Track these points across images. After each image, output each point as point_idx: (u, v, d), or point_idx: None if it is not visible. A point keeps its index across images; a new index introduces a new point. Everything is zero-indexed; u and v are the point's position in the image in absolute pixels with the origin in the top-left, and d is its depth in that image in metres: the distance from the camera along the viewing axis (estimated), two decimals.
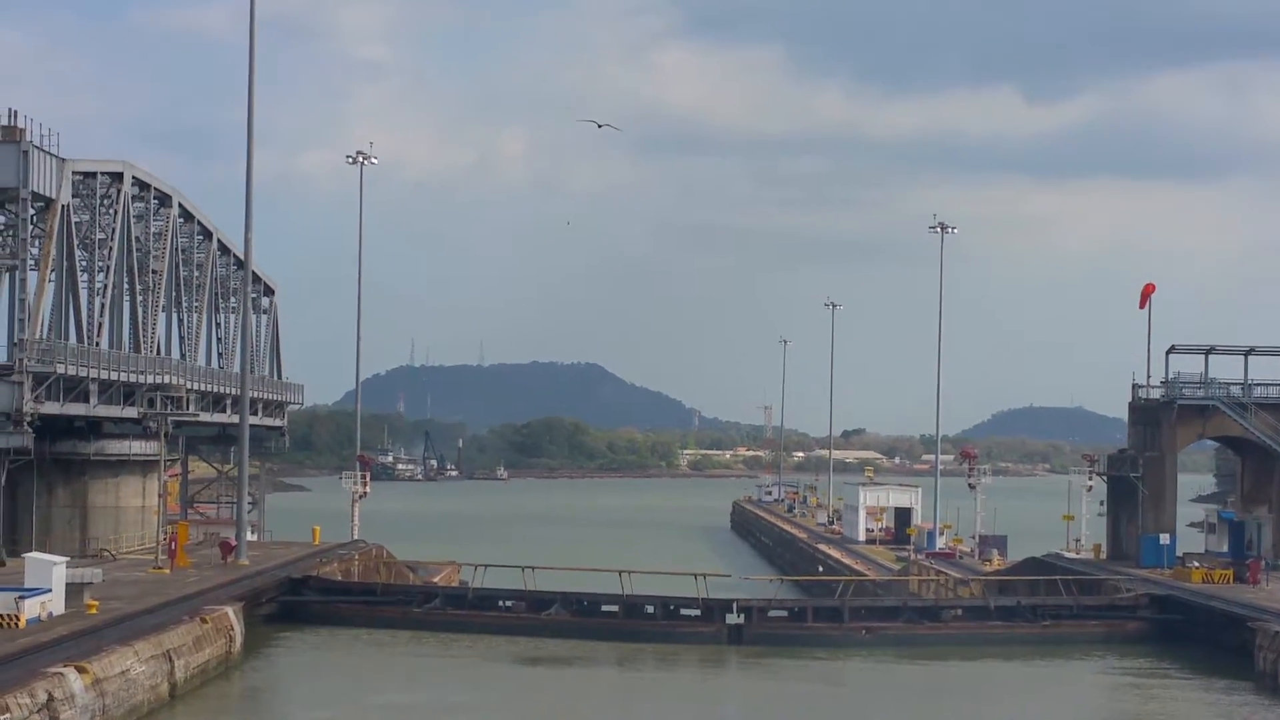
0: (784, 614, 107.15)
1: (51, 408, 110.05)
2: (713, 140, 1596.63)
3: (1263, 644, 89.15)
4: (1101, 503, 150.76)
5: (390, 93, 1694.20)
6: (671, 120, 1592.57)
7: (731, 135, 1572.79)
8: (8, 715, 57.51)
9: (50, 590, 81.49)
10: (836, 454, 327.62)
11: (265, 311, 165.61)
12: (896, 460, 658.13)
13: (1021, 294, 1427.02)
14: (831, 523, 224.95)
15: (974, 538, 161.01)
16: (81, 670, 65.47)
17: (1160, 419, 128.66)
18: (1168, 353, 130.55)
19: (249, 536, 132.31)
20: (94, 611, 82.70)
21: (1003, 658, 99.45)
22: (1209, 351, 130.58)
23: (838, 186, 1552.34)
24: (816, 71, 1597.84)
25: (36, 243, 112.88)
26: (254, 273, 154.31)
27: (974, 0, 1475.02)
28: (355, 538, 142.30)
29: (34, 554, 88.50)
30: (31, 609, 78.28)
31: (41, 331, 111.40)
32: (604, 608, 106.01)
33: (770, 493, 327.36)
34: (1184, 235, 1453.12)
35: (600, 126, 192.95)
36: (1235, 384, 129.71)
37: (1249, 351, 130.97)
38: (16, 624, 76.35)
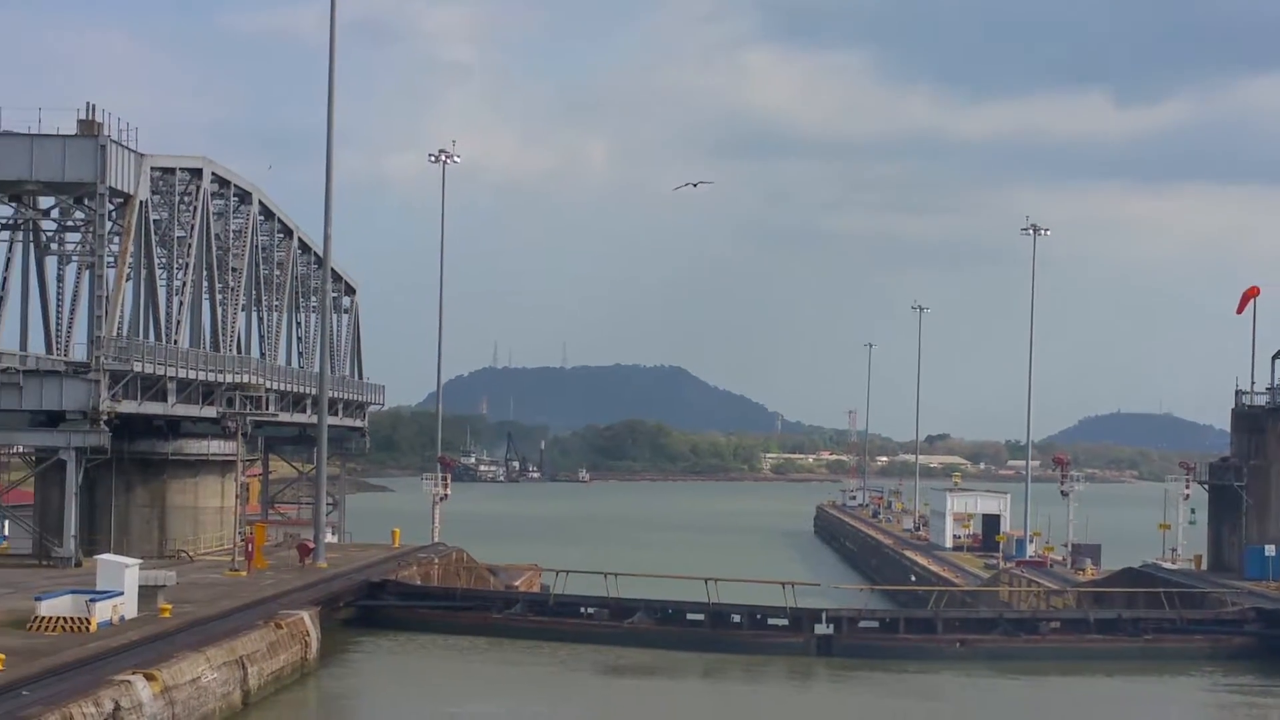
0: (875, 625, 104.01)
1: (129, 406, 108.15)
2: (798, 143, 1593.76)
3: None
4: (1193, 510, 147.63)
5: (474, 95, 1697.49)
6: (756, 123, 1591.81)
7: (817, 138, 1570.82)
8: None
9: (123, 593, 79.29)
10: (920, 459, 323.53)
11: (346, 311, 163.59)
12: (981, 466, 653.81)
13: (1109, 299, 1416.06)
14: (917, 529, 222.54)
15: (1066, 546, 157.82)
16: (150, 678, 63.15)
17: (1266, 426, 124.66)
18: (1274, 358, 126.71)
19: (329, 538, 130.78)
20: (167, 615, 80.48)
21: (1103, 673, 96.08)
22: None
23: (924, 190, 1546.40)
24: (902, 75, 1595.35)
25: (114, 240, 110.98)
26: (334, 271, 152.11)
27: (1063, 3, 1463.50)
28: (436, 540, 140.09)
29: (107, 556, 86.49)
30: (103, 612, 76.06)
31: (119, 329, 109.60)
32: (689, 616, 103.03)
33: (854, 497, 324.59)
34: (1272, 238, 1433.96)
35: (696, 186, 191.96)
36: None
37: None
38: (87, 628, 74.15)
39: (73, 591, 77.91)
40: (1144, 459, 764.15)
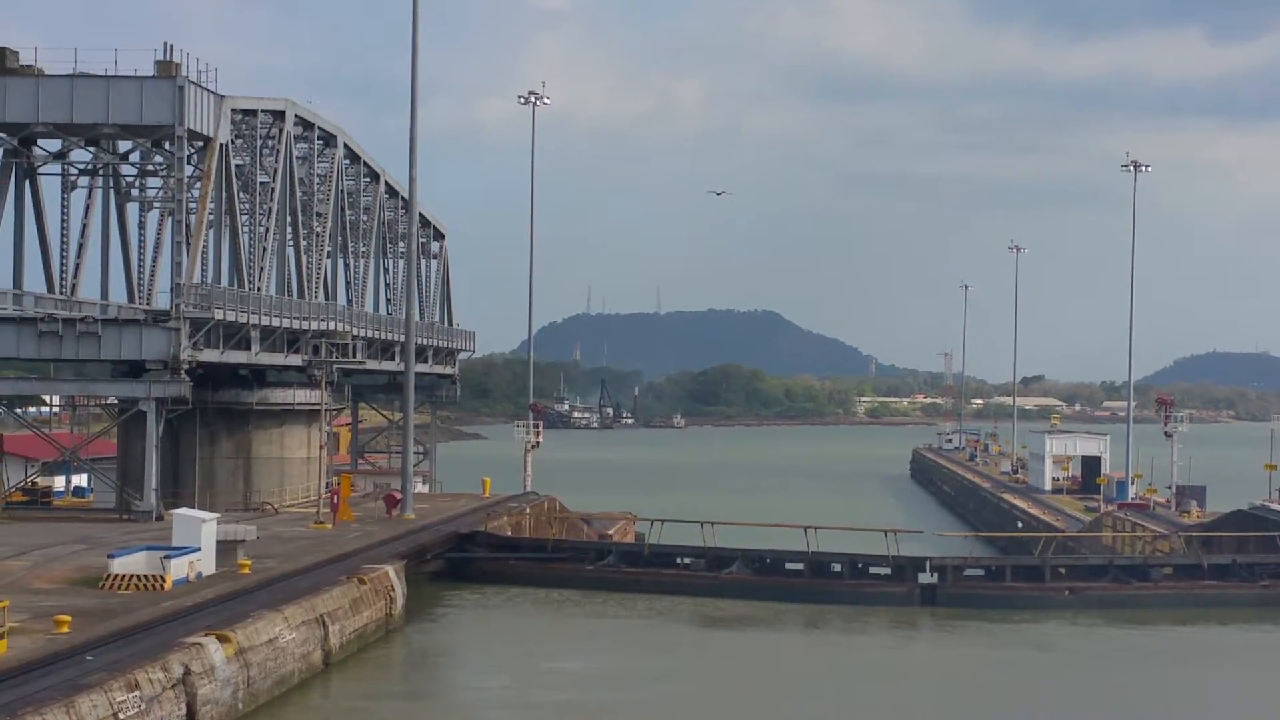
0: (980, 573, 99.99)
1: (211, 355, 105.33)
2: (893, 86, 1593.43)
3: None
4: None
5: (567, 41, 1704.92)
6: (850, 67, 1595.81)
7: (912, 81, 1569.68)
8: (137, 693, 51.62)
9: (199, 549, 75.91)
10: (1016, 401, 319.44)
11: (435, 256, 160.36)
12: (1076, 407, 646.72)
13: (1203, 238, 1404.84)
14: (1015, 471, 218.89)
15: (1170, 488, 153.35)
16: (224, 639, 59.58)
17: None
18: None
19: (419, 488, 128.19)
20: (246, 571, 77.15)
21: (1217, 621, 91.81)
22: None
23: (1019, 131, 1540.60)
24: (997, 15, 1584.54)
25: (195, 185, 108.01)
26: (423, 216, 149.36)
27: None
28: (527, 489, 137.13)
29: (183, 510, 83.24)
30: (179, 569, 72.77)
31: (200, 276, 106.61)
32: (788, 566, 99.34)
33: (950, 440, 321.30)
34: None
35: (719, 195, 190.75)
36: None
37: None
38: (162, 586, 70.78)
39: (148, 548, 74.77)
40: (1241, 399, 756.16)
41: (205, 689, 56.38)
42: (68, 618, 59.55)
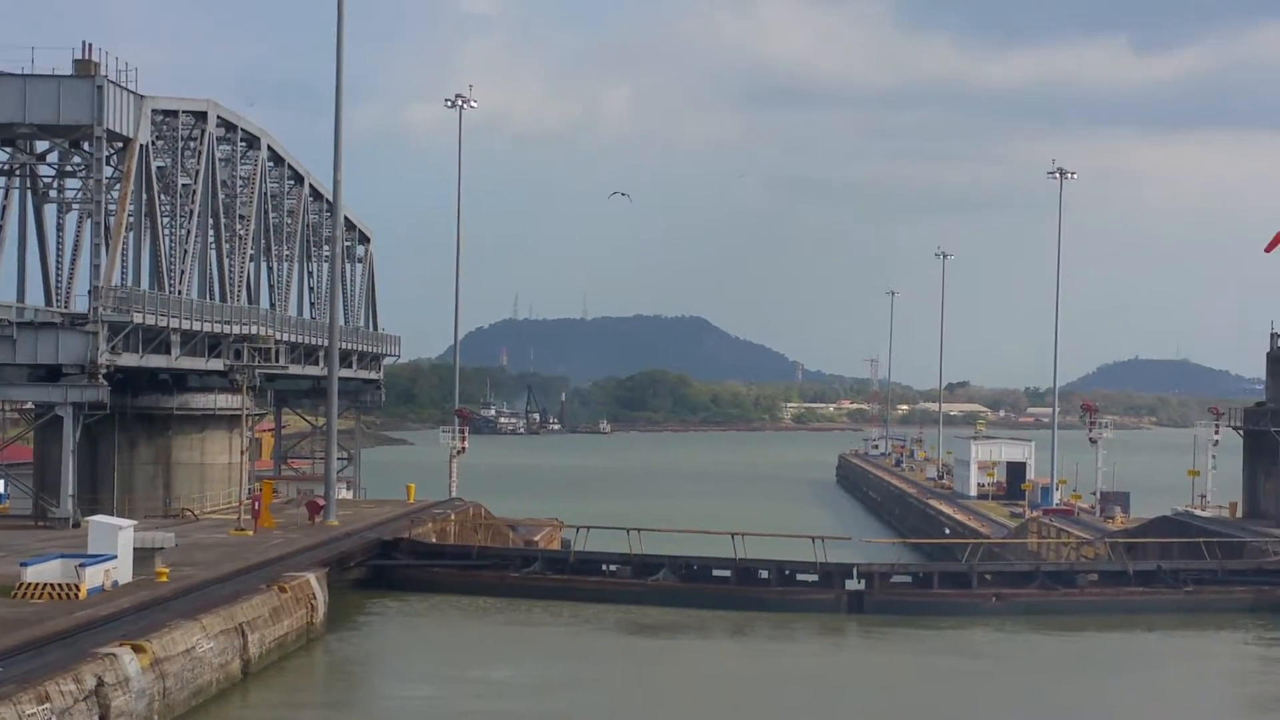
0: (908, 580, 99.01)
1: (130, 359, 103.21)
2: (821, 93, 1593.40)
3: None
4: (1213, 457, 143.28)
5: (497, 46, 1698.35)
6: (779, 73, 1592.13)
7: (840, 88, 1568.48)
8: (48, 705, 50.10)
9: (116, 557, 74.17)
10: (938, 407, 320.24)
11: (360, 260, 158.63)
12: (1000, 413, 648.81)
13: (1125, 247, 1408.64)
14: (941, 477, 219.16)
15: (1094, 494, 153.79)
16: (138, 649, 58.00)
17: None
18: None
19: (343, 494, 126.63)
20: (164, 580, 75.49)
21: (1143, 627, 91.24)
22: None
23: (946, 139, 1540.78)
24: (924, 23, 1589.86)
25: (115, 186, 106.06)
26: (348, 219, 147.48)
27: None
28: (453, 495, 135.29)
29: (99, 517, 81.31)
30: (94, 578, 70.98)
31: (120, 279, 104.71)
32: (715, 573, 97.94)
33: (877, 446, 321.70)
34: None
35: (624, 195, 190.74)
36: None
37: None
38: (76, 594, 69.09)
39: (62, 556, 72.77)
40: (1162, 405, 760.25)
41: (119, 700, 54.84)
42: None
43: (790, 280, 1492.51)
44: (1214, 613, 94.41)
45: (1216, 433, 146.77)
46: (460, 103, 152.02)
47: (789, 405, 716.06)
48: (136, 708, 56.32)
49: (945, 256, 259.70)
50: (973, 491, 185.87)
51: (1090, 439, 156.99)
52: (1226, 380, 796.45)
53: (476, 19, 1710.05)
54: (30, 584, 69.25)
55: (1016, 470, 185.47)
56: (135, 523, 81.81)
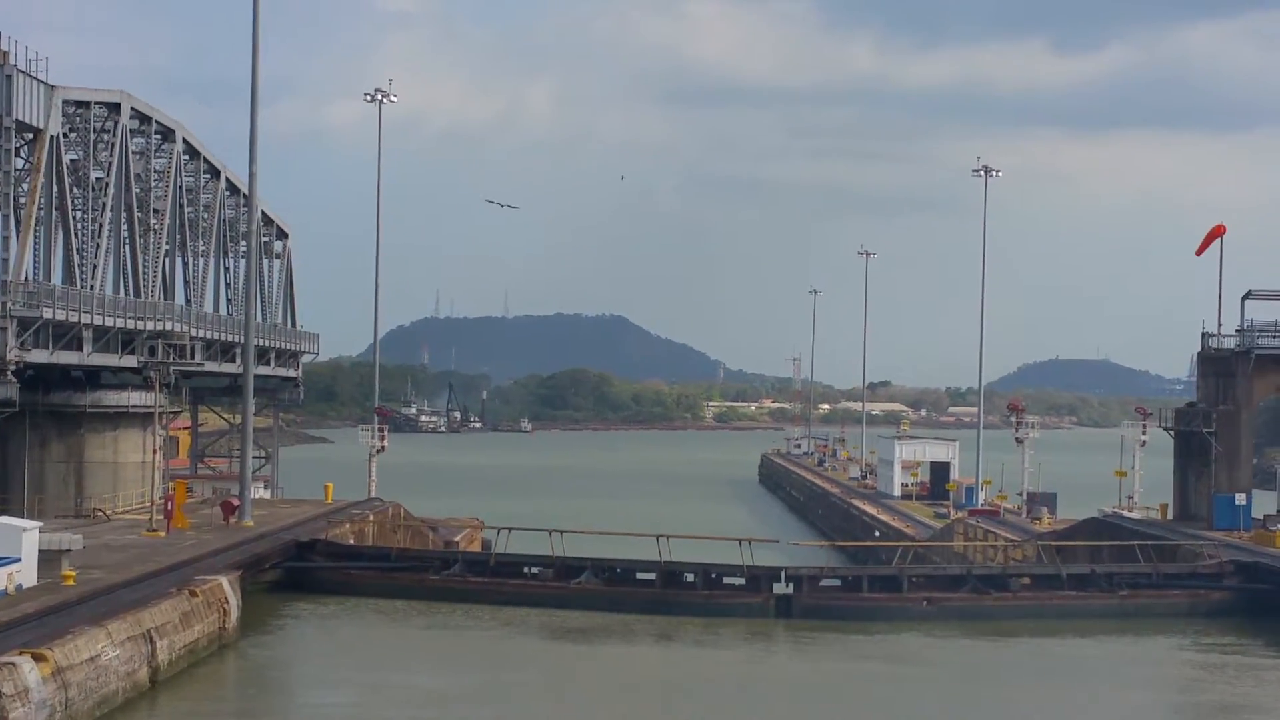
0: (837, 583, 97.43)
1: (40, 356, 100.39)
2: (743, 92, 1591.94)
3: None
4: (1134, 457, 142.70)
5: (418, 43, 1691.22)
6: (702, 72, 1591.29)
7: (762, 87, 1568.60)
8: None
9: (20, 559, 71.36)
10: (861, 406, 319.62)
11: (278, 256, 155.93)
12: (922, 413, 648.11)
13: (1047, 247, 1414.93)
14: (864, 477, 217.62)
15: (1020, 494, 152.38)
16: (39, 658, 55.33)
17: (1235, 370, 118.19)
18: (1244, 299, 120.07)
19: (261, 493, 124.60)
20: (70, 583, 72.72)
21: (1078, 632, 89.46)
22: None
23: (868, 138, 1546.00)
24: (847, 23, 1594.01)
25: (25, 178, 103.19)
26: (265, 214, 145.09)
27: None
28: (372, 495, 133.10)
29: (3, 518, 78.44)
30: None
31: (31, 273, 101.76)
32: (639, 576, 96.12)
33: (799, 445, 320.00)
34: (1212, 186, 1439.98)
35: (504, 206, 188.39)
36: None
37: None
38: None
39: None
40: (1083, 405, 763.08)
41: (18, 712, 52.21)
42: None
43: (712, 279, 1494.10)
44: (1149, 617, 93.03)
45: (1144, 433, 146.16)
46: (380, 97, 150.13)
47: (711, 404, 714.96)
48: (38, 719, 53.74)
49: (868, 255, 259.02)
50: (896, 492, 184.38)
51: (1016, 439, 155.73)
52: (1147, 380, 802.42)
53: (397, 15, 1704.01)
54: None
55: (940, 470, 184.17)
56: (41, 524, 78.95)
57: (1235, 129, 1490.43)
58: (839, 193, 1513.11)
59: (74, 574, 74.13)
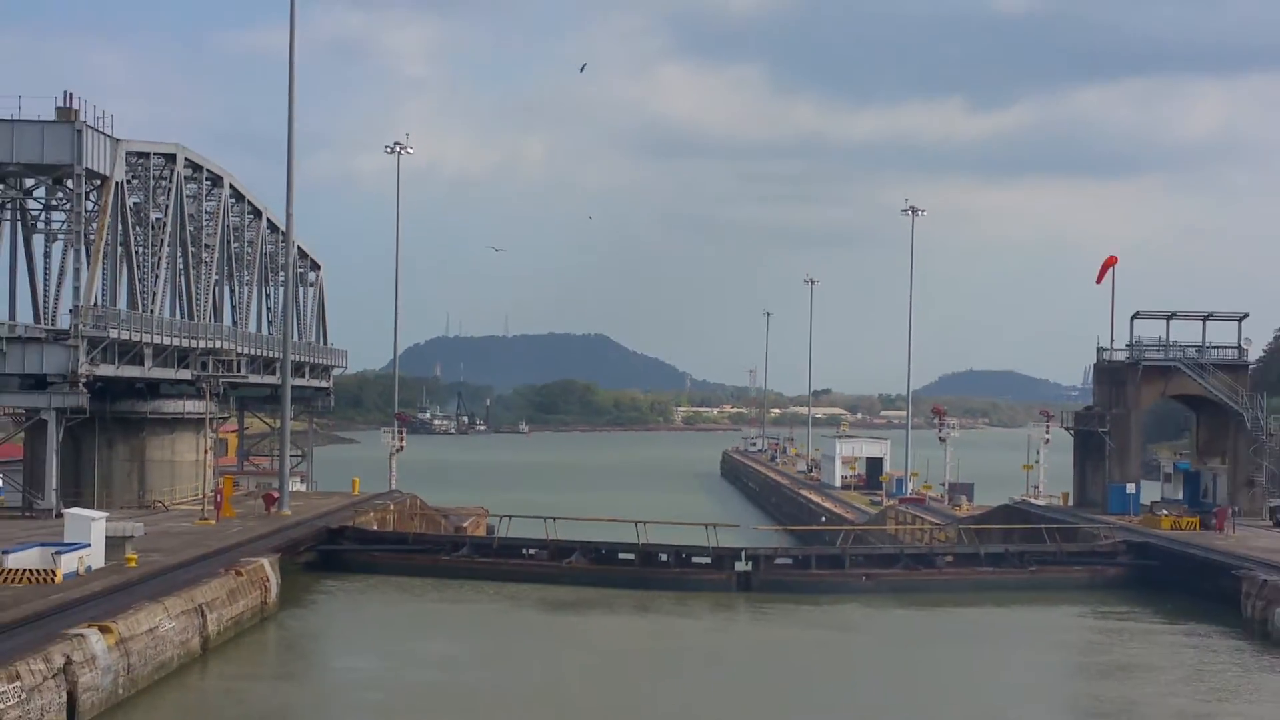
0: (789, 562, 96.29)
1: (107, 370, 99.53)
2: (704, 145, 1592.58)
3: (1250, 592, 78.27)
4: (1037, 453, 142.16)
5: (431, 104, 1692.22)
6: (669, 129, 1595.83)
7: (720, 141, 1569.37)
8: (18, 684, 46.37)
9: (89, 545, 70.29)
10: (807, 411, 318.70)
11: (312, 285, 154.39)
12: (858, 415, 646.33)
13: (963, 274, 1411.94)
14: (810, 470, 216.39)
15: (944, 485, 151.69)
16: (105, 630, 54.31)
17: (1125, 379, 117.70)
18: (1133, 318, 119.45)
19: (298, 487, 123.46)
20: (133, 565, 71.61)
21: (995, 603, 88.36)
22: (1170, 317, 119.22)
23: (811, 185, 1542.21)
24: (791, 88, 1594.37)
25: (94, 218, 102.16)
26: (301, 249, 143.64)
27: (924, 26, 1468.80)
28: (392, 488, 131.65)
29: (75, 509, 77.43)
30: (69, 564, 67.10)
31: (97, 300, 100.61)
32: (621, 556, 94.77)
33: (755, 444, 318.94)
34: (1101, 224, 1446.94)
35: (496, 250, 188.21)
36: (1193, 346, 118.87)
37: (1207, 317, 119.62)
38: (52, 579, 65.20)
39: (40, 544, 68.95)
40: (994, 408, 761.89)
41: (86, 677, 51.17)
42: None
43: (680, 302, 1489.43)
44: (1055, 590, 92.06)
45: (1047, 432, 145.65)
46: (399, 149, 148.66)
47: (679, 409, 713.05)
48: (103, 683, 52.69)
49: (813, 283, 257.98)
50: (837, 483, 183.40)
51: (940, 438, 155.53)
52: (1047, 388, 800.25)
53: (413, 81, 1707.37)
54: (11, 570, 65.27)
55: (875, 464, 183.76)
56: (107, 514, 77.95)
57: (1119, 177, 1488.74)
58: (787, 230, 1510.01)
59: (136, 557, 72.99)
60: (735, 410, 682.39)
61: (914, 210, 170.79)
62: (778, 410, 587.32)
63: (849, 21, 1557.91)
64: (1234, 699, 62.02)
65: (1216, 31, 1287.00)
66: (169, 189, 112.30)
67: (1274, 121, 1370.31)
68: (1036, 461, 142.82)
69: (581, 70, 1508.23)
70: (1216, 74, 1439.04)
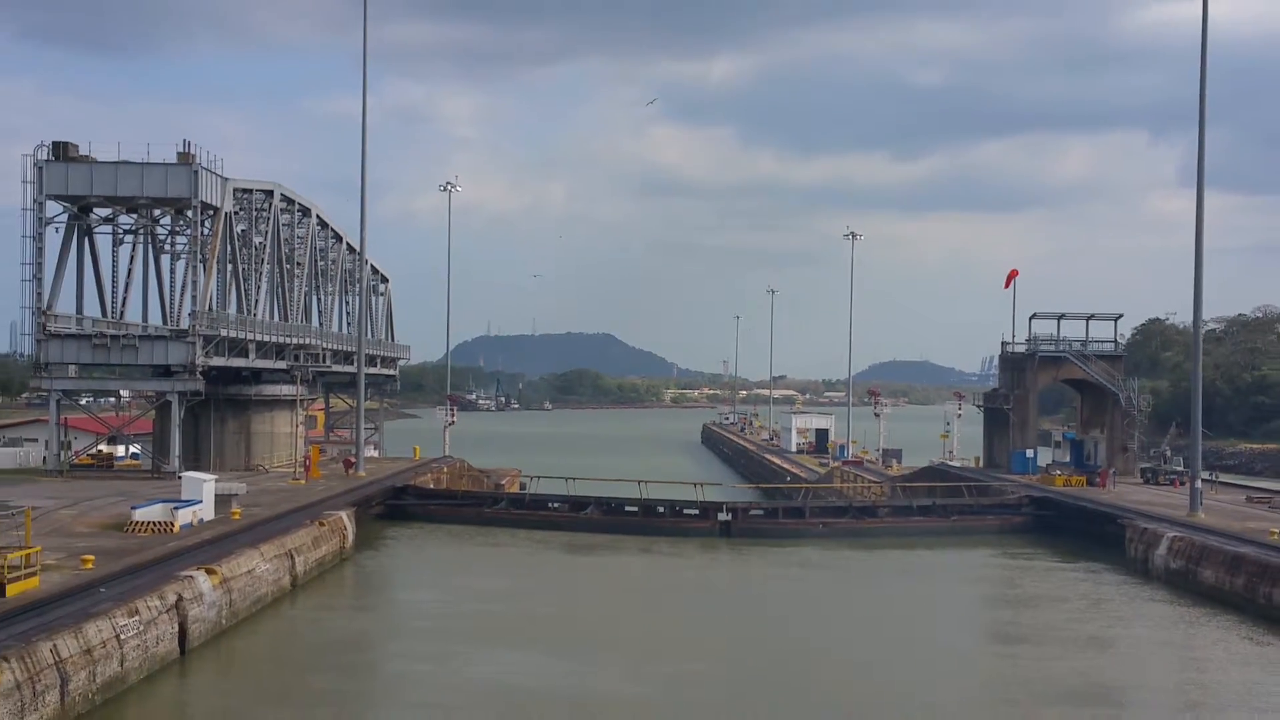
0: (761, 513, 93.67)
1: (219, 361, 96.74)
2: (687, 187, 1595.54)
3: (1133, 537, 75.67)
4: (947, 424, 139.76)
5: (476, 157, 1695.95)
6: (660, 174, 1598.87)
7: (699, 184, 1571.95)
8: (136, 618, 43.68)
9: (201, 501, 67.69)
10: (768, 392, 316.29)
11: (381, 294, 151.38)
12: (806, 396, 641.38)
13: (888, 286, 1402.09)
14: (771, 439, 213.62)
15: (879, 450, 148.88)
16: (211, 572, 51.66)
17: (1025, 366, 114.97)
18: (1031, 319, 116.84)
19: (371, 453, 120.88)
20: (237, 518, 68.97)
21: (923, 546, 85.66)
22: (1060, 317, 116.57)
23: (771, 218, 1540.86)
24: (756, 143, 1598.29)
25: (208, 241, 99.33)
26: (372, 266, 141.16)
27: (860, 95, 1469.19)
28: (445, 454, 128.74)
29: (190, 472, 74.89)
30: (184, 517, 64.51)
31: (211, 305, 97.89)
32: (627, 508, 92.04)
33: (728, 418, 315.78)
34: (995, 248, 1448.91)
35: (535, 277, 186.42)
36: (1078, 341, 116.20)
37: (1090, 317, 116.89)
38: (171, 530, 62.61)
39: (162, 500, 66.35)
40: (912, 390, 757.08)
41: (194, 611, 48.52)
42: (92, 557, 51.37)
43: (669, 308, 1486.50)
44: (972, 535, 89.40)
45: (960, 409, 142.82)
46: (450, 186, 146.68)
47: (668, 391, 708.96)
48: (208, 616, 50.02)
49: (773, 293, 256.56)
50: (794, 448, 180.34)
51: (875, 414, 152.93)
52: (953, 374, 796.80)
53: (461, 139, 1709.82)
54: (138, 522, 62.76)
55: (823, 434, 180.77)
56: (217, 476, 75.48)
57: (1009, 211, 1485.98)
58: (752, 252, 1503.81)
59: (240, 511, 70.39)
60: (712, 392, 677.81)
61: (852, 235, 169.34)
62: (745, 392, 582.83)
63: (800, 92, 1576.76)
64: (1129, 624, 59.35)
65: (1085, 99, 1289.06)
66: (268, 218, 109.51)
67: (1127, 169, 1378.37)
68: (952, 432, 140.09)
69: (650, 103, 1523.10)
70: (1084, 131, 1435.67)
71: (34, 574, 46.38)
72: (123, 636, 42.03)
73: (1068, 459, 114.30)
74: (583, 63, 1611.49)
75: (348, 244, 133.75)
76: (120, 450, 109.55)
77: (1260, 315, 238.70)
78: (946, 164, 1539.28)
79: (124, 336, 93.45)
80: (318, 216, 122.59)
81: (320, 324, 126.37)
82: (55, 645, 37.94)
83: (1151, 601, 65.02)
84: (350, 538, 74.62)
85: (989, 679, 48.50)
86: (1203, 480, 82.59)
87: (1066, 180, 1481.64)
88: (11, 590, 44.35)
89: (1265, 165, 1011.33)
